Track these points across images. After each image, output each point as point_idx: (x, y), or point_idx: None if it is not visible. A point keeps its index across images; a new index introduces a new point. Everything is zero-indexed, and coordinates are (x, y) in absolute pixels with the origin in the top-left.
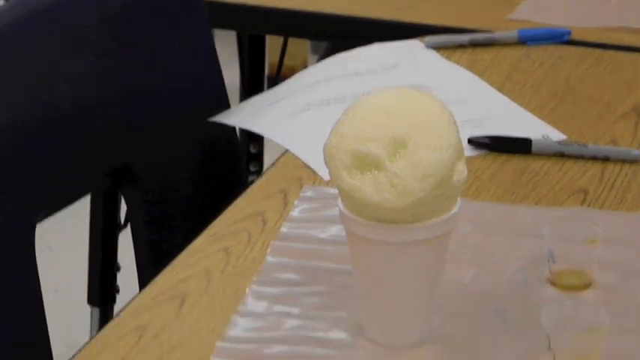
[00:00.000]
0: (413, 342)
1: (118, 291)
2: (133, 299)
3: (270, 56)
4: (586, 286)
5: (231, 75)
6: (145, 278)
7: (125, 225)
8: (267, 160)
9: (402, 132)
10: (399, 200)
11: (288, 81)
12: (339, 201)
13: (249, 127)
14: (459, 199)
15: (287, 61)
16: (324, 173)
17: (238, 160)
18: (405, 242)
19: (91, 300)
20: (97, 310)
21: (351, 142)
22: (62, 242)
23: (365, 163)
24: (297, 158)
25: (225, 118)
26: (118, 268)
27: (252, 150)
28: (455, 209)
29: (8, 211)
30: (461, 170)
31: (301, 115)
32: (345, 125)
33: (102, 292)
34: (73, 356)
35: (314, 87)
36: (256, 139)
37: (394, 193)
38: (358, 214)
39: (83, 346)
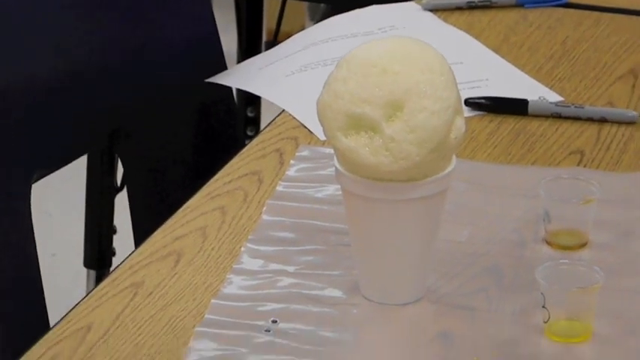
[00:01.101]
0: (408, 301)
1: (114, 254)
2: (128, 256)
3: (268, 22)
4: (581, 245)
5: (229, 41)
6: (141, 241)
7: (122, 188)
8: (265, 124)
9: (398, 94)
10: (394, 164)
11: (284, 42)
12: (335, 159)
13: (245, 88)
14: (454, 157)
15: (284, 27)
16: (319, 133)
17: (235, 123)
18: (401, 200)
19: (88, 263)
20: (93, 273)
21: (345, 103)
22: (61, 207)
23: (360, 124)
24: (293, 118)
25: (222, 78)
26: (114, 231)
27: (250, 114)
28: (450, 167)
29: (3, 171)
30: (459, 126)
31: (298, 75)
32: (338, 82)
33: (98, 255)
34: (68, 312)
35: (310, 48)
36: (253, 103)
37: (390, 156)
38: (354, 173)
39: (78, 303)
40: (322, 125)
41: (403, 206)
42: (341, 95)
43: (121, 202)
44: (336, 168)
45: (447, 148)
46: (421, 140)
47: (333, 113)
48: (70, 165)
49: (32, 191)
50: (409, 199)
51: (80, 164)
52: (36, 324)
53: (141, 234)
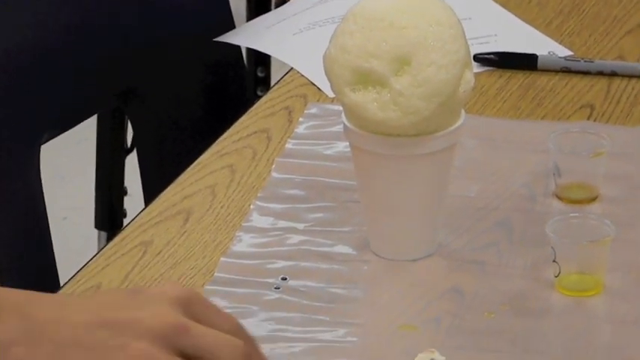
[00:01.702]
0: (418, 257)
1: (125, 215)
2: (137, 215)
3: None
4: (592, 199)
5: (238, 2)
6: (151, 202)
7: (132, 149)
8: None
9: (406, 49)
10: (403, 119)
11: (292, 1)
12: (343, 115)
13: (254, 46)
14: (463, 111)
15: None
16: (328, 90)
17: (244, 82)
18: (410, 155)
19: (99, 224)
20: (104, 234)
21: (352, 58)
22: (73, 169)
23: (368, 79)
24: (302, 76)
25: (230, 37)
26: (125, 192)
27: (260, 74)
28: (460, 122)
29: (12, 132)
30: (468, 79)
31: (306, 33)
32: (345, 36)
33: (109, 217)
34: (77, 272)
35: (319, 6)
36: (263, 63)
37: (398, 111)
38: (362, 128)
39: (87, 262)
40: (330, 80)
41: (412, 162)
42: (348, 49)
43: (132, 163)
44: (344, 124)
45: (456, 102)
46: (429, 94)
47: (340, 68)
48: (82, 127)
49: (44, 154)
50: (418, 154)
51: (92, 126)
52: (47, 286)
53: (151, 195)
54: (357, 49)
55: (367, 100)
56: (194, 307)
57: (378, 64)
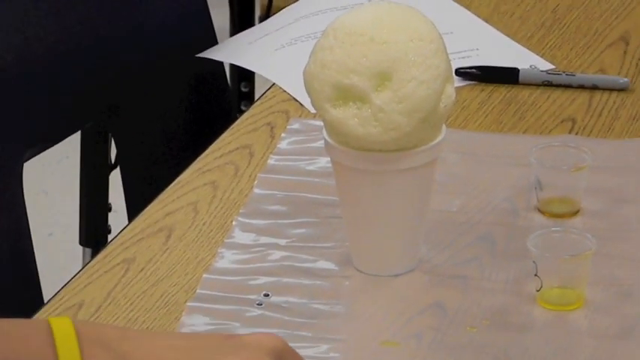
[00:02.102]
0: (400, 272)
1: (109, 231)
2: (119, 232)
3: None
4: (573, 213)
5: (222, 17)
6: (134, 218)
7: (116, 165)
8: None
9: (386, 64)
10: (384, 134)
11: (275, 16)
12: (324, 131)
13: (236, 62)
14: (444, 126)
15: (278, 2)
16: (310, 106)
17: (227, 98)
18: (391, 171)
19: (83, 241)
20: (89, 251)
21: (332, 73)
22: (57, 186)
23: (348, 94)
24: (284, 91)
25: (212, 53)
26: (109, 209)
27: (243, 89)
28: (441, 137)
29: None
30: (449, 94)
31: (287, 48)
32: (325, 51)
33: (94, 233)
34: (59, 290)
35: (300, 21)
36: (247, 79)
37: (379, 127)
38: (343, 144)
39: (70, 280)
40: (310, 96)
41: (393, 177)
42: (328, 65)
43: (116, 180)
44: (325, 140)
45: (437, 117)
46: (410, 110)
47: (320, 84)
48: (66, 143)
49: (29, 170)
50: (399, 169)
51: (76, 142)
52: (31, 303)
53: (135, 211)
54: (337, 64)
55: (348, 115)
56: (287, 356)
57: (359, 80)
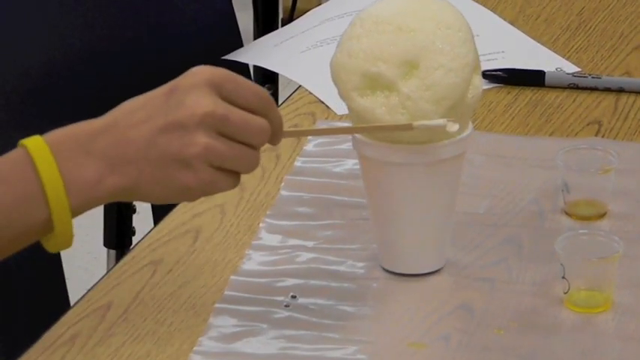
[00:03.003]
0: (427, 270)
1: (134, 233)
2: (147, 234)
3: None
4: (600, 215)
5: (246, 18)
6: (160, 220)
7: None
8: (282, 101)
9: (414, 52)
10: (411, 120)
11: (300, 19)
12: (352, 123)
13: (261, 64)
14: (470, 123)
15: (301, 5)
16: (336, 108)
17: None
18: (419, 164)
19: (107, 243)
20: (113, 253)
21: (359, 62)
22: None
23: (376, 83)
24: (310, 94)
25: (238, 55)
26: (134, 210)
27: (267, 91)
28: (468, 131)
29: None
30: (476, 85)
31: (313, 51)
32: (352, 40)
33: (118, 235)
34: (87, 292)
35: (325, 24)
36: (271, 81)
37: (407, 115)
38: (369, 136)
39: (97, 282)
40: (337, 86)
41: (420, 170)
42: (355, 54)
43: None
44: (354, 140)
45: (465, 108)
46: (438, 98)
47: (348, 74)
48: None
49: None
50: (427, 162)
51: None
52: (57, 305)
53: (160, 213)
54: (364, 53)
55: (375, 104)
56: (226, 86)
57: (386, 68)
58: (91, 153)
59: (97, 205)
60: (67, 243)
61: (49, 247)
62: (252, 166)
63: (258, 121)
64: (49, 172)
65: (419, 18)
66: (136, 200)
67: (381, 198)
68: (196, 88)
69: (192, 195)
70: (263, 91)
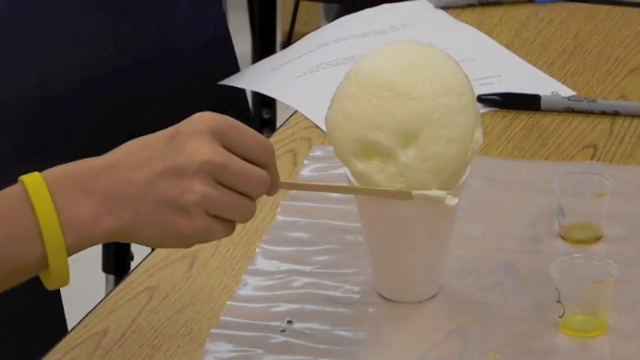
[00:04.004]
0: (422, 299)
1: (132, 258)
2: (143, 260)
3: (283, 23)
4: (596, 239)
5: (244, 44)
6: None
7: None
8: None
9: (413, 123)
10: (409, 189)
11: (296, 43)
12: (348, 172)
13: (258, 89)
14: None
15: (300, 28)
16: None
17: (250, 125)
18: (415, 215)
19: (106, 268)
20: (111, 278)
21: (356, 127)
22: None
23: (373, 151)
24: (306, 119)
25: (234, 80)
26: None
27: (265, 115)
28: (464, 177)
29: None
30: (476, 139)
31: (309, 76)
32: (347, 101)
33: (116, 260)
34: (84, 317)
35: (322, 48)
36: (269, 105)
37: (404, 183)
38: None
39: (94, 308)
40: (333, 146)
41: (417, 219)
42: (351, 118)
43: None
44: (349, 180)
45: (464, 165)
46: (437, 169)
47: (344, 137)
48: None
49: None
50: (423, 212)
51: None
52: (54, 330)
53: None
54: (361, 119)
55: (373, 170)
56: (228, 134)
57: (384, 138)
58: (89, 192)
59: (93, 244)
60: (63, 281)
61: (46, 284)
62: (247, 216)
63: (258, 172)
64: (45, 209)
65: (418, 82)
66: (132, 242)
67: (376, 238)
68: (198, 135)
69: (186, 241)
70: (266, 142)
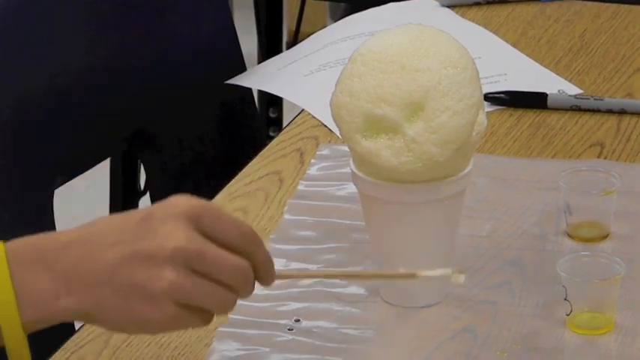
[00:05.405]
0: (429, 303)
1: None
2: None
3: (289, 23)
4: (602, 237)
5: (250, 43)
6: None
7: (145, 191)
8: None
9: (419, 94)
10: (417, 163)
11: (303, 42)
12: (351, 162)
13: (265, 88)
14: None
15: (306, 28)
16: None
17: (256, 124)
18: (420, 202)
19: None
20: None
21: (362, 103)
22: (86, 213)
23: (380, 125)
24: (313, 117)
25: (241, 80)
26: None
27: (272, 115)
28: (469, 167)
29: (25, 177)
30: (480, 122)
31: (316, 74)
32: (353, 79)
33: None
34: None
35: (329, 47)
36: (275, 104)
37: (412, 157)
38: (371, 175)
39: None
40: (339, 127)
41: (423, 208)
42: (356, 94)
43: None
44: (352, 172)
45: (469, 146)
46: (444, 141)
47: (350, 115)
48: (95, 169)
49: (58, 196)
50: (429, 200)
51: (106, 169)
52: (61, 330)
53: None
54: (367, 93)
55: (380, 146)
56: (205, 220)
57: (391, 111)
58: (51, 268)
59: (54, 322)
60: (23, 358)
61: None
62: (225, 307)
63: (235, 261)
64: (1, 283)
65: (422, 56)
66: (94, 324)
67: (382, 234)
68: (172, 220)
69: (153, 328)
70: (247, 228)
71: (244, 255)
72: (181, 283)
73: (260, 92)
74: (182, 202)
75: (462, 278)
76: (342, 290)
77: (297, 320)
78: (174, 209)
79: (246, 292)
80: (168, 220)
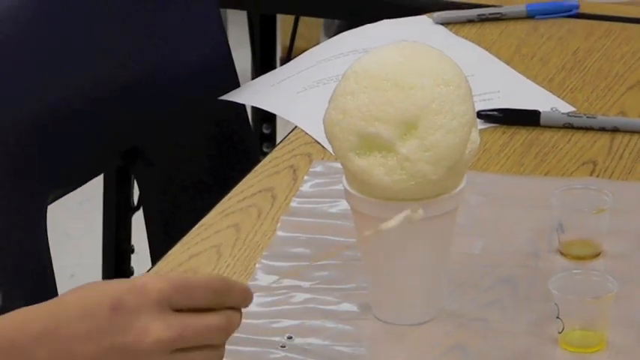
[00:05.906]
0: (422, 321)
1: (132, 273)
2: (145, 274)
3: (283, 39)
4: (595, 255)
5: (244, 58)
6: (158, 260)
7: (138, 207)
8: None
9: (413, 112)
10: (410, 182)
11: (296, 59)
12: (344, 179)
13: (258, 105)
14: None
15: (301, 44)
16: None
17: (250, 140)
18: (413, 220)
19: None
20: None
21: (356, 121)
22: (79, 228)
23: (373, 143)
24: (306, 134)
25: (234, 96)
26: (132, 250)
27: (265, 131)
28: (462, 184)
29: (19, 192)
30: (473, 140)
31: (310, 91)
32: (346, 97)
33: (116, 275)
34: None
35: (322, 64)
36: (269, 120)
37: (405, 175)
38: (364, 193)
39: None
40: (332, 145)
41: (415, 226)
42: (350, 112)
43: (139, 222)
44: (345, 189)
45: (462, 164)
46: (438, 159)
47: (343, 132)
48: (88, 185)
49: (51, 212)
50: (422, 217)
51: (99, 184)
52: None
53: (158, 253)
54: (360, 111)
55: (373, 165)
56: (176, 297)
57: (384, 129)
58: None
59: None
60: None
61: None
62: None
63: (213, 322)
64: None
65: (416, 73)
66: None
67: (374, 252)
68: (145, 311)
69: None
70: (216, 283)
71: (221, 305)
72: None
73: (254, 108)
74: (150, 286)
75: (420, 211)
76: (334, 308)
77: (290, 337)
78: (144, 297)
79: (228, 337)
80: (141, 311)
